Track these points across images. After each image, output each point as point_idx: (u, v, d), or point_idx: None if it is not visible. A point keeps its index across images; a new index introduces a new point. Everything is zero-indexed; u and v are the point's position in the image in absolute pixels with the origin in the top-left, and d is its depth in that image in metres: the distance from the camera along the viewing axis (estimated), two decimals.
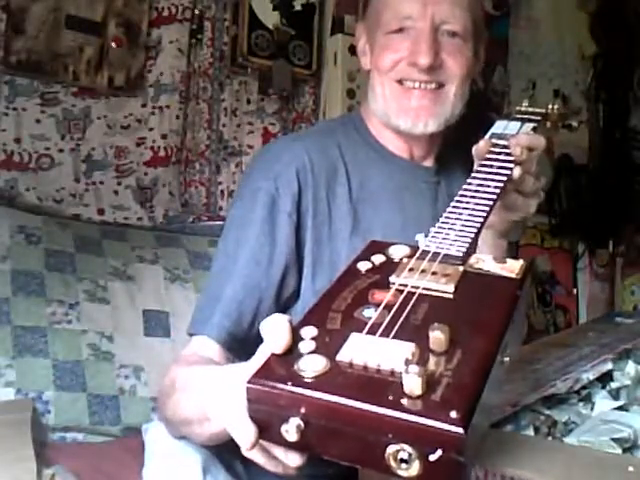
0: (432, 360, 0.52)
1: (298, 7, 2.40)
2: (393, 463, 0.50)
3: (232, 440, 1.09)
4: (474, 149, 1.04)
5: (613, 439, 0.66)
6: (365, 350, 0.53)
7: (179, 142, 2.25)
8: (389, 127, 1.22)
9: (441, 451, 0.48)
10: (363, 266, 0.67)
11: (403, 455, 0.49)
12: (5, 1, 1.95)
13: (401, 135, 1.22)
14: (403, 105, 1.17)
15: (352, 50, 2.41)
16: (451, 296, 0.61)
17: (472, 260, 0.68)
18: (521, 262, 0.68)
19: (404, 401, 0.50)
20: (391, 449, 0.50)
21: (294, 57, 2.39)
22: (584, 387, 0.84)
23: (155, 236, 2.06)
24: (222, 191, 2.33)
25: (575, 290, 3.31)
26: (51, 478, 1.36)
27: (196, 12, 2.27)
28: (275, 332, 0.57)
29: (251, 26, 2.30)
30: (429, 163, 1.28)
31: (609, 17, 3.20)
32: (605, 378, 0.89)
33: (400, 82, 1.17)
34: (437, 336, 0.53)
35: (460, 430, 0.47)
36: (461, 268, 0.65)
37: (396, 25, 1.17)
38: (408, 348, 0.52)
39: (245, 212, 1.14)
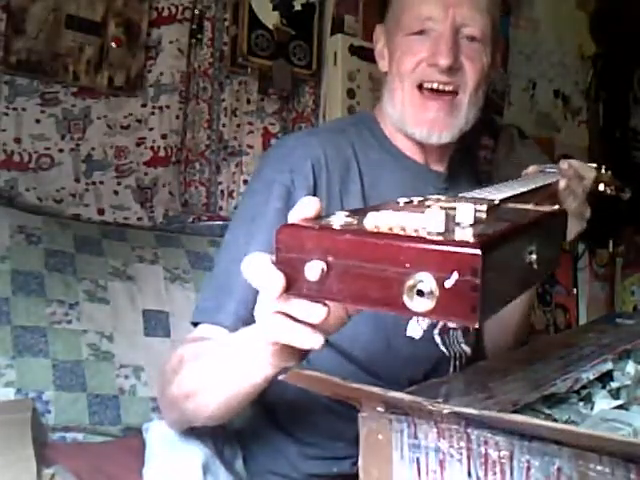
0: (457, 229, 0.54)
1: (298, 7, 2.39)
2: (409, 298, 0.51)
3: (235, 436, 1.09)
4: (523, 173, 1.09)
5: None
6: (391, 218, 0.55)
7: (179, 142, 2.25)
8: (403, 133, 1.23)
9: (457, 274, 0.49)
10: (401, 200, 0.67)
11: (420, 286, 0.50)
12: (5, 1, 1.94)
13: (415, 141, 1.23)
14: (420, 116, 1.18)
15: (352, 50, 2.42)
16: (484, 215, 0.60)
17: (509, 204, 0.69)
18: (556, 207, 0.70)
19: (424, 235, 0.52)
20: (409, 281, 0.51)
21: (294, 57, 2.39)
22: (584, 387, 0.84)
23: (155, 236, 2.06)
24: (222, 191, 2.33)
25: (575, 290, 3.31)
26: (51, 478, 1.36)
27: (196, 12, 2.26)
28: (308, 200, 0.62)
29: (251, 26, 2.30)
30: (441, 168, 1.28)
31: (609, 17, 3.20)
32: (605, 378, 0.89)
33: (420, 87, 1.18)
34: (464, 208, 0.54)
35: (477, 251, 0.49)
36: (497, 201, 0.66)
37: (417, 27, 1.17)
38: (434, 213, 0.53)
39: (258, 203, 1.12)
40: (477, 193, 0.73)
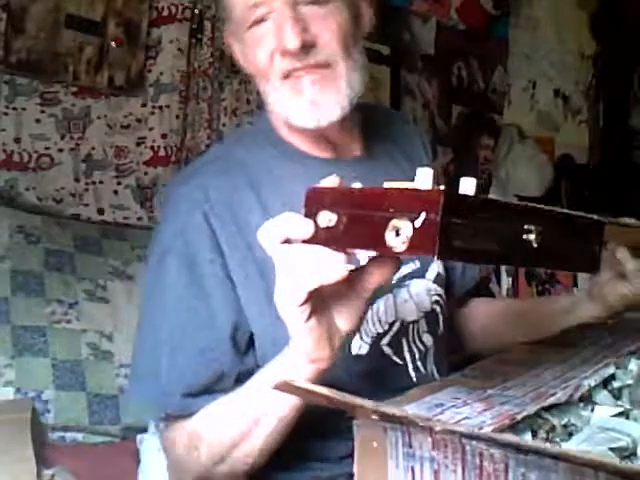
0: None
1: None
2: (390, 239, 0.61)
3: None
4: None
5: (611, 448, 0.65)
6: (403, 184, 0.64)
7: (179, 142, 2.26)
8: (295, 128, 1.08)
9: (424, 214, 0.58)
10: None
11: (398, 226, 0.60)
12: (5, 1, 1.94)
13: (312, 134, 1.09)
14: (298, 104, 1.03)
15: None
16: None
17: None
18: (595, 216, 0.74)
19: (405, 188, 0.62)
20: (390, 224, 0.60)
21: None
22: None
23: None
24: None
25: (575, 289, 3.31)
26: (50, 479, 1.36)
27: (196, 12, 2.27)
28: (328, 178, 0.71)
29: None
30: (357, 152, 1.15)
31: (609, 17, 3.20)
32: (607, 377, 0.88)
33: (287, 77, 1.03)
34: (468, 182, 0.61)
35: (440, 196, 0.57)
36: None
37: (251, 17, 1.01)
38: (423, 173, 0.62)
39: (163, 279, 1.03)
40: None
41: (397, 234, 0.60)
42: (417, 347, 1.13)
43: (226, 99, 2.34)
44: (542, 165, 3.05)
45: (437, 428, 0.52)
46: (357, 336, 1.07)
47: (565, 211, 0.71)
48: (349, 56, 1.03)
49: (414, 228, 0.59)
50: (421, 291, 1.14)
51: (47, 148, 2.04)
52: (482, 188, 2.82)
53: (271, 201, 1.04)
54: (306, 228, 0.69)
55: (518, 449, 0.48)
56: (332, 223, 0.67)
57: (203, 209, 1.02)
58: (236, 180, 1.06)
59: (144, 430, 1.62)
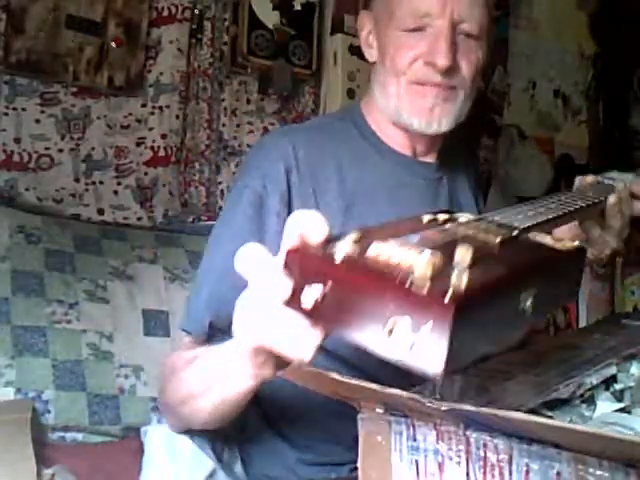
0: (453, 272, 0.54)
1: (298, 7, 2.39)
2: (388, 340, 0.53)
3: (233, 440, 1.09)
4: (579, 180, 1.09)
5: None
6: (394, 250, 0.56)
7: (179, 142, 2.25)
8: (397, 125, 1.19)
9: (431, 324, 0.51)
10: (425, 218, 0.69)
11: (397, 330, 0.52)
12: (5, 1, 1.94)
13: (407, 133, 1.20)
14: (417, 105, 1.14)
15: (352, 50, 2.41)
16: (494, 246, 0.61)
17: (530, 234, 0.69)
18: (576, 243, 0.70)
19: (411, 279, 0.53)
20: (388, 323, 0.53)
21: (294, 57, 2.38)
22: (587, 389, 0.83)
23: (155, 236, 2.06)
24: (222, 191, 2.33)
25: None
26: (51, 478, 1.36)
27: (196, 12, 2.27)
28: (311, 221, 0.59)
29: (251, 26, 2.30)
30: (431, 159, 1.26)
31: (609, 17, 3.20)
32: (609, 380, 0.88)
33: (417, 83, 1.14)
34: (463, 250, 0.54)
35: (450, 306, 0.50)
36: (515, 232, 0.66)
37: (413, 23, 1.13)
38: (434, 255, 0.54)
39: (230, 209, 1.12)
40: (508, 214, 0.72)
41: (396, 337, 0.53)
42: None
43: (226, 99, 2.34)
44: (542, 165, 3.05)
45: (443, 408, 0.52)
46: None
47: (557, 248, 0.66)
48: (472, 87, 1.17)
49: (416, 336, 0.52)
50: None
51: (47, 148, 2.04)
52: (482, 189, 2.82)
53: (348, 178, 1.15)
54: (284, 289, 0.59)
55: (521, 438, 0.48)
56: (312, 305, 0.57)
57: (288, 163, 1.11)
58: (325, 149, 1.16)
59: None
